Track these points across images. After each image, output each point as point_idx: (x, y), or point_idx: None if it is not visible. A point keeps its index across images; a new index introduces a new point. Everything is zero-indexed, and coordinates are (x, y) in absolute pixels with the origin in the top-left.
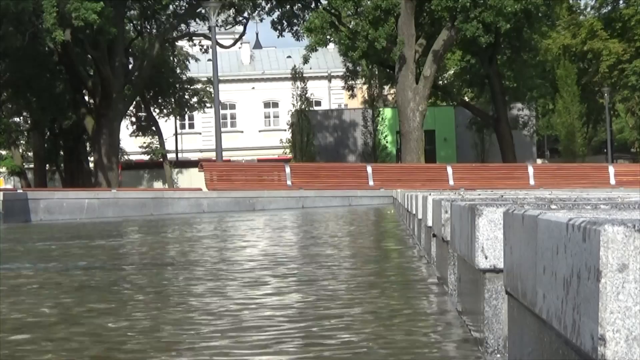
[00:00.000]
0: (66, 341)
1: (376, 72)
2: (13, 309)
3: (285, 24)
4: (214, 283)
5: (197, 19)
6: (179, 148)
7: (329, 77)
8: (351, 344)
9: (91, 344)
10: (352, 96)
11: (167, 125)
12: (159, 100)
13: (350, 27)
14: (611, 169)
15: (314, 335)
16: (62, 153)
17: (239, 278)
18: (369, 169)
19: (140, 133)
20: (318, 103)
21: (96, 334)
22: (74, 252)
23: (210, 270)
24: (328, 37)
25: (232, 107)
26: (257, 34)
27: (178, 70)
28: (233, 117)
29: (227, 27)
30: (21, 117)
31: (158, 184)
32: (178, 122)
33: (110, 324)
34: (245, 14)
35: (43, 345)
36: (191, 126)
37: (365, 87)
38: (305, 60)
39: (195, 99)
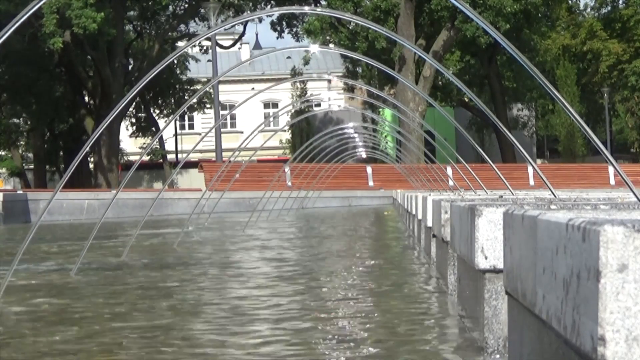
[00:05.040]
0: None
1: (376, 73)
2: None
3: (285, 24)
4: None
5: (196, 20)
6: (179, 149)
7: (329, 78)
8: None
9: None
10: (352, 98)
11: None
12: (159, 101)
13: (350, 27)
14: (611, 169)
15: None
16: (61, 154)
17: None
18: (369, 169)
19: (140, 134)
20: (318, 104)
21: None
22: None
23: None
24: (328, 37)
25: (232, 107)
26: (256, 35)
27: (178, 71)
28: (233, 117)
29: (226, 28)
30: (21, 119)
31: (158, 185)
32: (178, 123)
33: None
34: (245, 15)
35: None
36: (191, 127)
37: (364, 87)
38: (306, 61)
39: (195, 100)
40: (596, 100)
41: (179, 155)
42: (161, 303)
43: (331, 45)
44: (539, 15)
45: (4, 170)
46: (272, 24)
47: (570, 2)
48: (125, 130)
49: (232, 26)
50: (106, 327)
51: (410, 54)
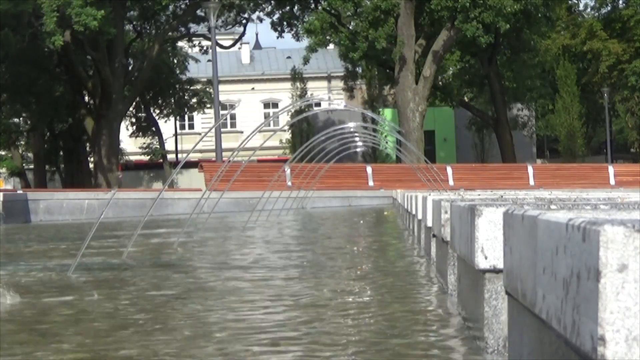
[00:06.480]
0: None
1: (376, 73)
2: None
3: (285, 24)
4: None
5: (196, 22)
6: (179, 149)
7: (329, 78)
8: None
9: None
10: (352, 97)
11: (166, 125)
12: (159, 101)
13: (350, 27)
14: (611, 169)
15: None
16: (61, 154)
17: None
18: (369, 169)
19: (140, 134)
20: (317, 104)
21: None
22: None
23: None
24: (328, 37)
25: (232, 107)
26: (256, 35)
27: (177, 71)
28: (233, 117)
29: (227, 28)
30: (21, 118)
31: (158, 185)
32: (178, 123)
33: None
34: (246, 15)
35: None
36: (191, 127)
37: (364, 87)
38: (306, 61)
39: (194, 100)
40: (596, 100)
41: (179, 155)
42: (161, 302)
43: (331, 45)
44: (539, 15)
45: (4, 170)
46: (273, 24)
47: (570, 2)
48: (125, 130)
49: (233, 26)
50: (102, 326)
51: (410, 54)
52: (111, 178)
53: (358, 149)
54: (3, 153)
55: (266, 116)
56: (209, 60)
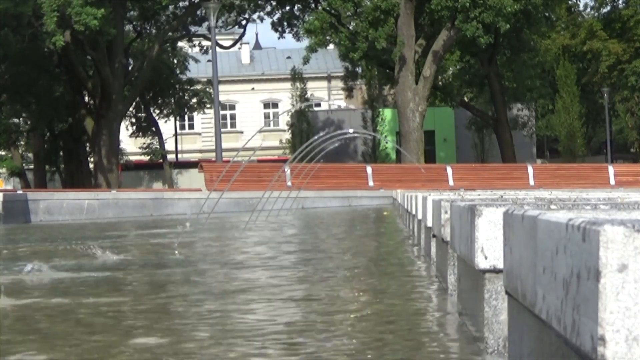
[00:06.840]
0: None
1: (376, 73)
2: None
3: (286, 24)
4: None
5: (196, 22)
6: (179, 149)
7: (329, 78)
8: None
9: None
10: (350, 96)
11: (166, 126)
12: (159, 101)
13: (350, 27)
14: (611, 169)
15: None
16: (61, 154)
17: None
18: (369, 169)
19: (140, 134)
20: (317, 104)
21: None
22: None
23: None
24: (328, 37)
25: (232, 107)
26: (256, 35)
27: (178, 71)
28: (233, 117)
29: (227, 28)
30: (21, 118)
31: (158, 185)
32: (178, 123)
33: None
34: (246, 15)
35: None
36: (191, 127)
37: (364, 87)
38: (306, 61)
39: (194, 100)
40: (596, 100)
41: (179, 155)
42: (162, 302)
43: (331, 45)
44: (539, 15)
45: (4, 170)
46: (273, 24)
47: (570, 2)
48: (125, 130)
49: (233, 27)
50: (104, 326)
51: (410, 54)
52: (111, 178)
53: (358, 149)
54: (3, 153)
55: (266, 116)
56: (209, 61)
